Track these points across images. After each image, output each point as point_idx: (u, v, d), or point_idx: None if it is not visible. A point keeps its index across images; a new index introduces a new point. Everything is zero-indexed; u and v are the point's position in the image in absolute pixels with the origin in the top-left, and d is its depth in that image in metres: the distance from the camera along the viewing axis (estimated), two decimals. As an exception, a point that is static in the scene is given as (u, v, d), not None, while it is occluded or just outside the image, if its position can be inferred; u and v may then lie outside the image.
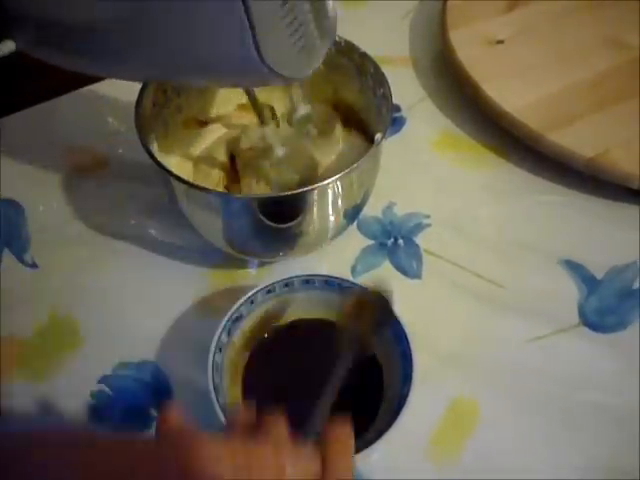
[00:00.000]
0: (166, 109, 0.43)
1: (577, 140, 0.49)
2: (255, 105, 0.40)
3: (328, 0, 0.33)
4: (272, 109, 0.44)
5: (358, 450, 0.33)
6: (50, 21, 0.30)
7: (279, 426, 0.28)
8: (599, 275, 0.45)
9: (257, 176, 0.43)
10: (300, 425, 0.36)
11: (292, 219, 0.39)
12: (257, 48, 0.27)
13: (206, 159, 0.45)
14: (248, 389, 0.38)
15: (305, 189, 0.36)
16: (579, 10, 0.60)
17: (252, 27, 0.27)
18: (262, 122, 0.41)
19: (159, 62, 0.31)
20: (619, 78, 0.54)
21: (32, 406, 0.40)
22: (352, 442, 0.29)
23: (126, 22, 0.28)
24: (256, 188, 0.43)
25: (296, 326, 0.41)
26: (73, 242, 0.48)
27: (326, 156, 0.45)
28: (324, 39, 0.32)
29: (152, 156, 0.38)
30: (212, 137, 0.47)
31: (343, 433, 0.29)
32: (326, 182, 0.36)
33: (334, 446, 0.28)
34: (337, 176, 0.36)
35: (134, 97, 0.41)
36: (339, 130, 0.46)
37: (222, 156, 0.45)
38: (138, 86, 0.41)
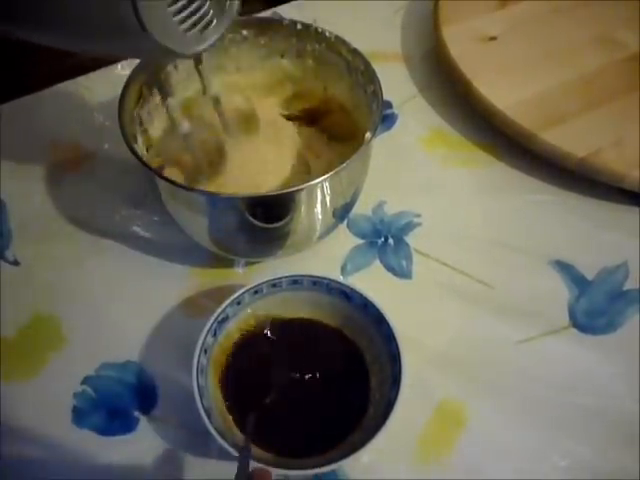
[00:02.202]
0: (151, 103, 0.42)
1: (569, 139, 0.49)
2: (158, 81, 0.40)
3: None
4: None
5: (346, 453, 0.33)
6: None
7: None
8: (590, 276, 0.45)
9: (168, 160, 0.42)
10: (283, 431, 0.36)
11: (280, 219, 0.38)
12: (138, 15, 0.27)
13: (192, 159, 0.44)
14: (229, 390, 0.38)
15: (293, 189, 0.35)
16: (571, 8, 0.60)
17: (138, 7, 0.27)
18: (163, 100, 0.41)
19: (51, 26, 0.30)
20: (611, 76, 0.54)
21: (14, 408, 0.39)
22: None
23: None
24: (168, 171, 0.42)
25: (283, 328, 0.40)
26: (56, 239, 0.47)
27: (243, 146, 0.44)
28: (220, 18, 0.32)
29: (136, 154, 0.37)
30: (195, 134, 0.46)
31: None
32: (315, 182, 0.35)
33: None
34: (326, 176, 0.35)
35: (119, 91, 0.40)
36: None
37: (208, 154, 0.44)
38: (123, 80, 0.40)
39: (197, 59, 0.38)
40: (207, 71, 0.39)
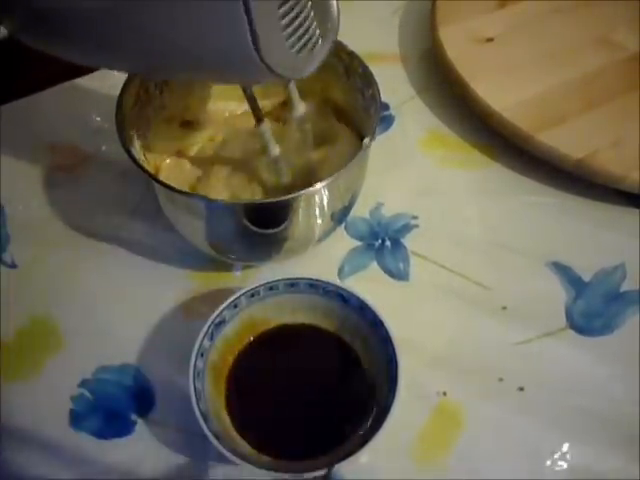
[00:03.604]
0: (149, 107, 0.42)
1: (566, 141, 0.49)
2: (252, 103, 0.38)
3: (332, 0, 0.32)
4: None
5: (344, 455, 0.33)
6: (39, 5, 0.29)
7: None
8: (587, 277, 0.45)
9: (248, 177, 0.42)
10: (282, 434, 0.36)
11: (278, 225, 0.38)
12: (255, 45, 0.27)
13: (193, 164, 0.44)
14: (232, 396, 0.38)
15: (291, 196, 0.35)
16: (569, 9, 0.59)
17: (250, 23, 0.26)
18: (258, 120, 0.40)
19: (154, 53, 0.30)
20: (610, 77, 0.54)
21: (12, 411, 0.39)
22: None
23: (119, 8, 0.27)
24: (249, 190, 0.42)
25: (280, 331, 0.40)
26: (54, 242, 0.47)
27: (323, 155, 0.44)
28: (325, 39, 0.31)
29: (133, 158, 0.37)
30: (196, 137, 0.46)
31: None
32: (312, 188, 0.35)
33: None
34: (324, 183, 0.35)
35: (118, 93, 0.40)
36: (336, 128, 0.46)
37: (210, 159, 0.44)
38: (122, 81, 0.40)
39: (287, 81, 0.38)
40: (295, 90, 0.40)
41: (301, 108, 0.40)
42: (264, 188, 0.42)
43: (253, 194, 0.42)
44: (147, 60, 0.31)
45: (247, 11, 0.25)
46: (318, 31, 0.30)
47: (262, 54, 0.27)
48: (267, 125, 0.39)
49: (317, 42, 0.30)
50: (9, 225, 0.48)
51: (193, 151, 0.45)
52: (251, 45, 0.26)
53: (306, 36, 0.29)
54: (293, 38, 0.28)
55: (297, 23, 0.28)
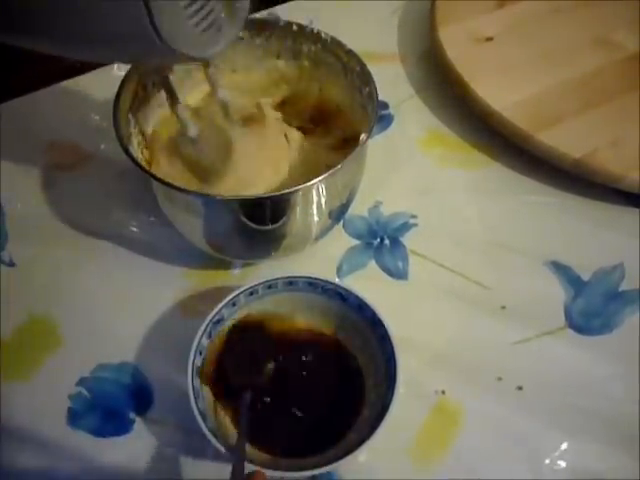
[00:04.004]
0: (146, 104, 0.42)
1: (565, 140, 0.49)
2: (165, 84, 0.39)
3: None
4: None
5: (342, 454, 0.33)
6: None
7: None
8: (586, 277, 0.45)
9: (172, 156, 0.42)
10: (280, 433, 0.36)
11: (275, 221, 0.38)
12: (153, 24, 0.27)
13: (189, 161, 0.44)
14: (231, 397, 0.38)
15: (288, 190, 0.35)
16: (568, 9, 0.60)
17: (147, 3, 0.26)
18: (172, 103, 0.40)
19: (60, 33, 0.30)
20: (608, 77, 0.54)
21: (10, 409, 0.39)
22: None
23: None
24: (170, 169, 0.42)
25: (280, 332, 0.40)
26: (52, 240, 0.47)
27: (249, 145, 0.43)
28: (232, 22, 0.32)
29: (131, 156, 0.37)
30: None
31: None
32: (310, 183, 0.35)
33: None
34: (321, 177, 0.35)
35: (116, 91, 0.40)
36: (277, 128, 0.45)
37: (205, 155, 0.44)
38: (120, 80, 0.40)
39: (206, 62, 0.38)
40: (216, 74, 0.39)
41: (220, 93, 0.41)
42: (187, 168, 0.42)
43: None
44: (60, 40, 0.31)
45: None
46: (223, 13, 0.31)
47: (161, 33, 0.27)
48: (182, 106, 0.39)
49: (223, 22, 0.31)
50: (7, 223, 0.48)
51: (187, 147, 0.45)
52: (149, 24, 0.27)
53: (211, 16, 0.30)
54: (196, 18, 0.29)
55: (199, 3, 0.29)
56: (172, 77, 0.38)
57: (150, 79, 0.42)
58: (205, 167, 0.41)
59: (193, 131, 0.39)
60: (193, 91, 0.46)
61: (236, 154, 0.42)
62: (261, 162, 0.43)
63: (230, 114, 0.42)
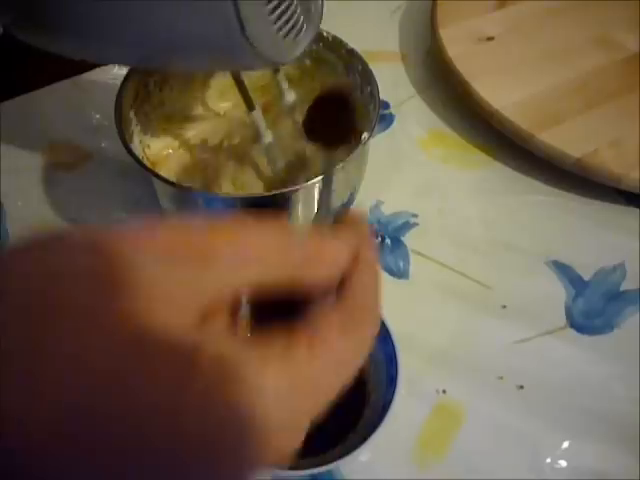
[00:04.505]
0: (148, 103, 0.42)
1: (566, 140, 0.49)
2: (242, 90, 0.39)
3: None
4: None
5: (343, 453, 0.33)
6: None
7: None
8: (587, 276, 0.45)
9: (243, 167, 0.42)
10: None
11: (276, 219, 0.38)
12: (243, 30, 0.27)
13: (191, 159, 0.44)
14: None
15: (289, 189, 0.35)
16: (569, 8, 0.60)
17: (237, 8, 0.26)
18: (250, 107, 0.40)
19: (142, 42, 0.30)
20: (609, 77, 0.54)
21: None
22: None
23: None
24: (241, 178, 0.42)
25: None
26: (53, 239, 0.47)
27: (319, 149, 0.44)
28: (309, 26, 0.32)
29: (133, 154, 0.37)
30: (195, 134, 0.46)
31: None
32: (311, 182, 0.35)
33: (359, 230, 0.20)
34: (322, 176, 0.35)
35: (117, 90, 0.40)
36: None
37: (207, 154, 0.44)
38: (121, 78, 0.40)
39: (276, 68, 0.38)
40: (283, 78, 0.40)
41: (290, 96, 0.40)
42: (260, 177, 0.42)
43: (251, 184, 0.42)
44: (140, 48, 0.31)
45: None
46: (303, 16, 0.31)
47: (250, 38, 0.27)
48: (259, 112, 0.39)
49: (302, 27, 0.31)
50: (8, 222, 0.48)
51: (191, 147, 0.45)
52: (239, 30, 0.27)
53: (292, 21, 0.30)
54: (280, 22, 0.29)
55: (283, 7, 0.29)
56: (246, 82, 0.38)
57: (152, 78, 0.42)
58: (277, 174, 0.42)
59: (267, 138, 0.39)
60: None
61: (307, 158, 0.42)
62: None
63: (297, 120, 0.42)
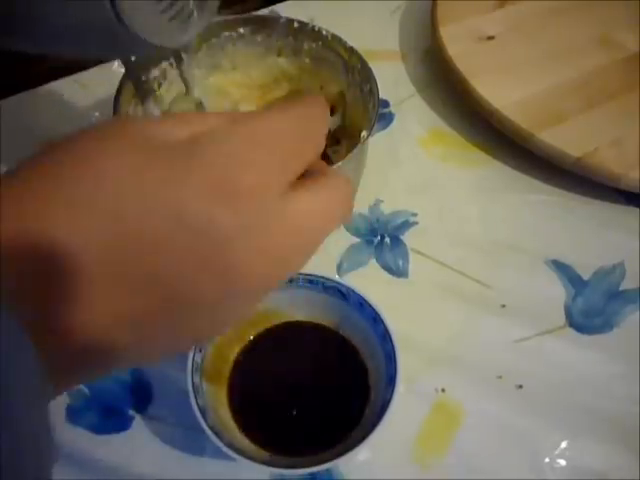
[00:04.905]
0: (146, 102, 0.42)
1: (566, 139, 0.49)
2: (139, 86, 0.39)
3: None
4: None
5: (342, 452, 0.33)
6: None
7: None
8: (586, 276, 0.45)
9: None
10: (284, 430, 0.36)
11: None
12: (116, 10, 0.26)
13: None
14: (234, 393, 0.38)
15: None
16: (570, 8, 0.60)
17: None
18: (142, 102, 0.40)
19: (30, 28, 0.29)
20: (610, 76, 0.54)
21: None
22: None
23: None
24: None
25: (283, 328, 0.40)
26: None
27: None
28: (203, 12, 0.32)
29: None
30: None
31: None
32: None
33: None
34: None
35: (116, 88, 0.40)
36: None
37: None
38: (120, 76, 0.40)
39: (179, 59, 0.37)
40: (190, 70, 0.39)
41: (196, 91, 0.40)
42: None
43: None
44: (31, 34, 0.30)
45: None
46: (191, 3, 0.31)
47: (125, 20, 0.27)
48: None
49: (192, 12, 0.31)
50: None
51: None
52: (111, 10, 0.26)
53: (178, 3, 0.30)
54: (162, 5, 0.29)
55: None
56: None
57: (151, 76, 0.42)
58: None
59: (196, 93, 0.39)
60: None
61: None
62: None
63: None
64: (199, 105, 0.41)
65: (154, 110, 0.39)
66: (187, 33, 0.31)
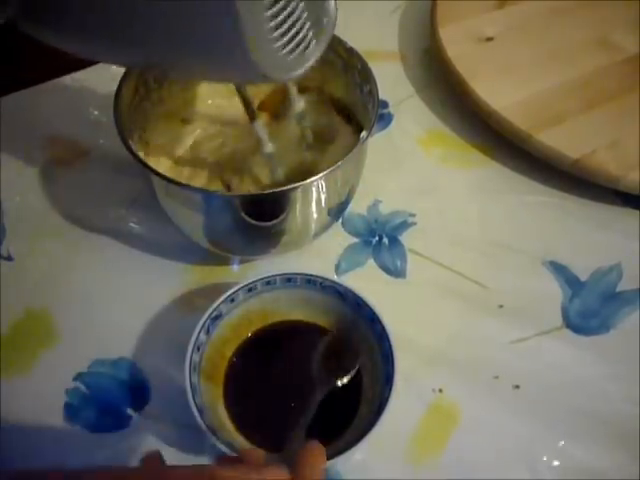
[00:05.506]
0: (147, 100, 0.42)
1: (564, 141, 0.49)
2: (245, 100, 0.38)
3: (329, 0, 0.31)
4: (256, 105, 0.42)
5: (339, 451, 0.33)
6: None
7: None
8: (583, 277, 0.45)
9: (242, 173, 0.42)
10: (279, 429, 0.36)
11: (275, 217, 0.38)
12: (242, 46, 0.26)
13: (189, 159, 0.44)
14: (229, 391, 0.38)
15: (288, 187, 0.35)
16: (569, 10, 0.60)
17: (237, 23, 0.26)
18: (251, 118, 0.39)
19: (151, 46, 0.30)
20: (608, 78, 0.54)
21: (6, 404, 0.39)
22: (323, 457, 0.29)
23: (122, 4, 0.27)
24: (240, 187, 0.42)
25: (279, 328, 0.40)
26: (50, 235, 0.47)
27: (321, 153, 0.44)
28: (319, 40, 0.31)
29: (131, 151, 0.36)
30: (194, 134, 0.45)
31: (315, 449, 0.29)
32: (309, 180, 0.35)
33: (306, 458, 0.28)
34: (321, 174, 0.35)
35: (116, 86, 0.40)
36: (336, 124, 0.45)
37: (205, 154, 0.44)
38: (120, 75, 0.40)
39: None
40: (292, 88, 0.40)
41: (300, 105, 0.40)
42: (257, 184, 0.42)
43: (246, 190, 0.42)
44: (140, 49, 0.31)
45: (234, 11, 0.25)
46: (311, 33, 0.30)
47: (250, 54, 0.27)
48: (260, 122, 0.39)
49: (309, 43, 0.30)
50: (6, 218, 0.48)
51: (188, 145, 0.45)
52: (238, 45, 0.26)
53: (298, 37, 0.29)
54: (284, 40, 0.28)
55: (287, 25, 0.28)
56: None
57: (151, 75, 0.42)
58: (275, 183, 0.41)
59: (269, 148, 0.39)
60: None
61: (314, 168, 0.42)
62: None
63: (305, 128, 0.42)
64: (301, 116, 0.41)
65: (262, 129, 0.38)
66: (304, 65, 0.30)
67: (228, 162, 0.43)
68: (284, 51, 0.28)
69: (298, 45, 0.29)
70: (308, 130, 0.43)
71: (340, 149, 0.43)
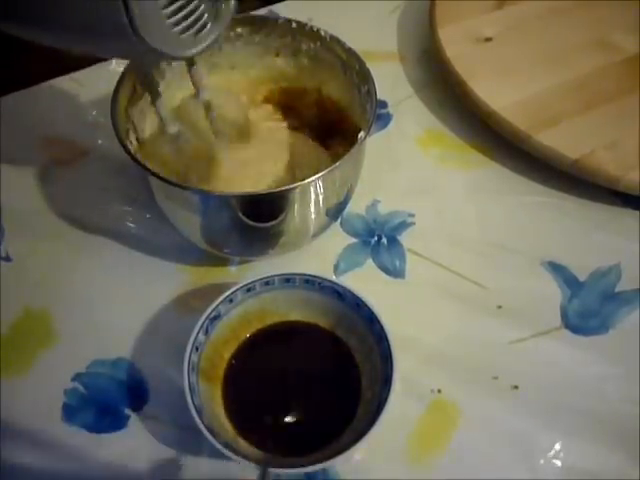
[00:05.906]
0: (144, 100, 0.42)
1: (563, 141, 0.49)
2: (146, 78, 0.39)
3: None
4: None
5: (338, 452, 0.33)
6: None
7: None
8: (582, 277, 0.45)
9: (155, 159, 0.41)
10: (278, 430, 0.36)
11: (273, 218, 0.38)
12: (129, 18, 0.27)
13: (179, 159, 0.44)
14: (228, 392, 0.38)
15: (286, 187, 0.35)
16: (568, 10, 0.60)
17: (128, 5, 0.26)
18: (152, 98, 0.39)
19: (49, 23, 0.30)
20: (607, 78, 0.54)
21: (4, 404, 0.39)
22: None
23: None
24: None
25: (278, 328, 0.40)
26: (48, 235, 0.47)
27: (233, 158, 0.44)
28: (217, 22, 0.32)
29: (129, 152, 0.36)
30: (191, 129, 0.45)
31: None
32: (308, 180, 0.35)
33: None
34: (319, 174, 0.35)
35: (114, 87, 0.40)
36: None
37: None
38: (118, 75, 0.40)
39: (189, 61, 0.37)
40: (200, 74, 0.39)
41: (205, 94, 0.40)
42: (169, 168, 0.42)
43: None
44: (48, 29, 0.30)
45: None
46: (206, 15, 0.31)
47: (138, 29, 0.27)
48: (160, 101, 0.39)
49: (205, 25, 0.31)
50: (4, 218, 0.48)
51: (187, 145, 0.45)
52: (125, 18, 0.27)
53: (191, 18, 0.30)
54: (175, 18, 0.29)
55: (179, 4, 0.29)
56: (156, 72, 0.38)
57: (149, 74, 0.42)
58: (184, 171, 0.41)
59: (172, 128, 0.39)
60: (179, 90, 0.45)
61: (220, 161, 0.42)
62: (247, 167, 0.43)
63: (214, 118, 0.42)
64: (208, 106, 0.41)
65: (163, 108, 0.39)
66: (199, 45, 0.31)
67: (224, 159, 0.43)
68: (176, 29, 0.29)
69: (191, 25, 0.30)
70: (215, 121, 0.43)
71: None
